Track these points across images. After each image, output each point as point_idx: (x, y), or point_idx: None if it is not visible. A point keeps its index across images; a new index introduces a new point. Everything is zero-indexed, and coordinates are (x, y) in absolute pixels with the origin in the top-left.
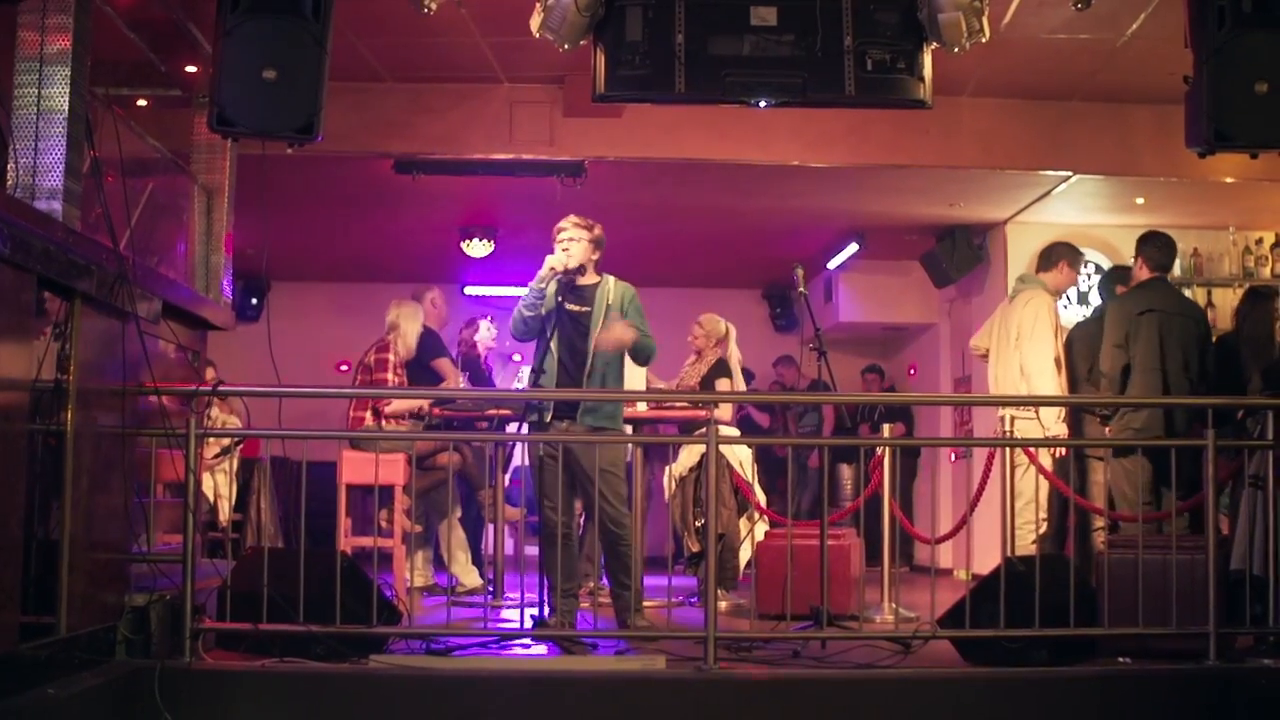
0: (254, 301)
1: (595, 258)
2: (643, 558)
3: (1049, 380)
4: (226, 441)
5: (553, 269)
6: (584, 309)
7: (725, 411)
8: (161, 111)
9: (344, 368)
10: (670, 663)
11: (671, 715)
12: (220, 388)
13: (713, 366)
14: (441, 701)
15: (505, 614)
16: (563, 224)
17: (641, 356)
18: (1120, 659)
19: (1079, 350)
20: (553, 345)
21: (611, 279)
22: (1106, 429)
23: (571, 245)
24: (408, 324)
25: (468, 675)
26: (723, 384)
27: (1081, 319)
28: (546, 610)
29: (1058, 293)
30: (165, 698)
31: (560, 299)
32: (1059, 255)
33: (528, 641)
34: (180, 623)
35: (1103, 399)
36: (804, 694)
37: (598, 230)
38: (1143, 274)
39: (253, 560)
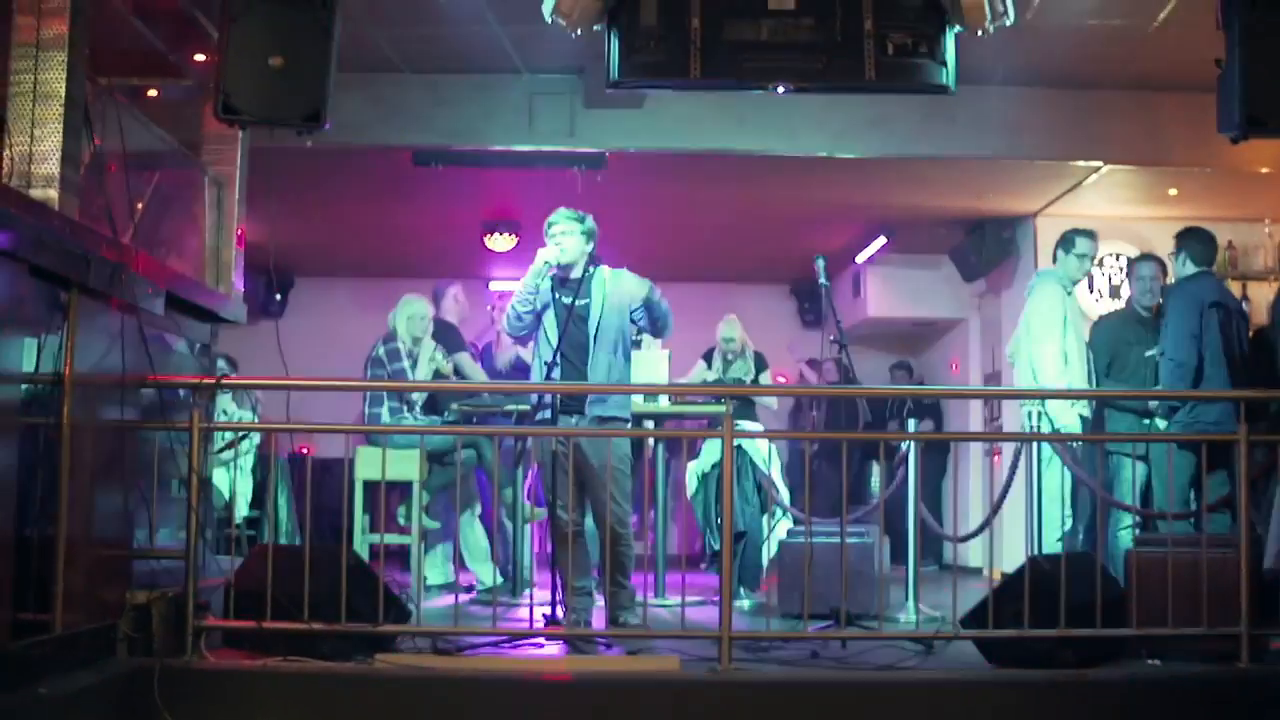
0: (278, 297)
1: (588, 249)
2: (665, 555)
3: (1050, 375)
4: (244, 442)
5: (546, 263)
6: (581, 301)
7: (773, 401)
8: (171, 102)
9: None
10: (685, 663)
11: (685, 717)
12: (225, 380)
13: (757, 363)
14: (448, 702)
15: (519, 613)
16: (553, 217)
17: (660, 324)
18: (1149, 661)
19: (1100, 343)
20: (552, 340)
21: (605, 268)
22: (1161, 424)
23: (564, 239)
24: (402, 322)
25: (475, 676)
26: (765, 376)
27: (1106, 311)
28: (560, 609)
29: (1074, 281)
30: (165, 697)
31: (555, 294)
32: (1063, 242)
33: (540, 641)
34: (183, 621)
35: (1128, 394)
36: (821, 696)
37: (589, 222)
38: (1188, 269)
39: (260, 557)
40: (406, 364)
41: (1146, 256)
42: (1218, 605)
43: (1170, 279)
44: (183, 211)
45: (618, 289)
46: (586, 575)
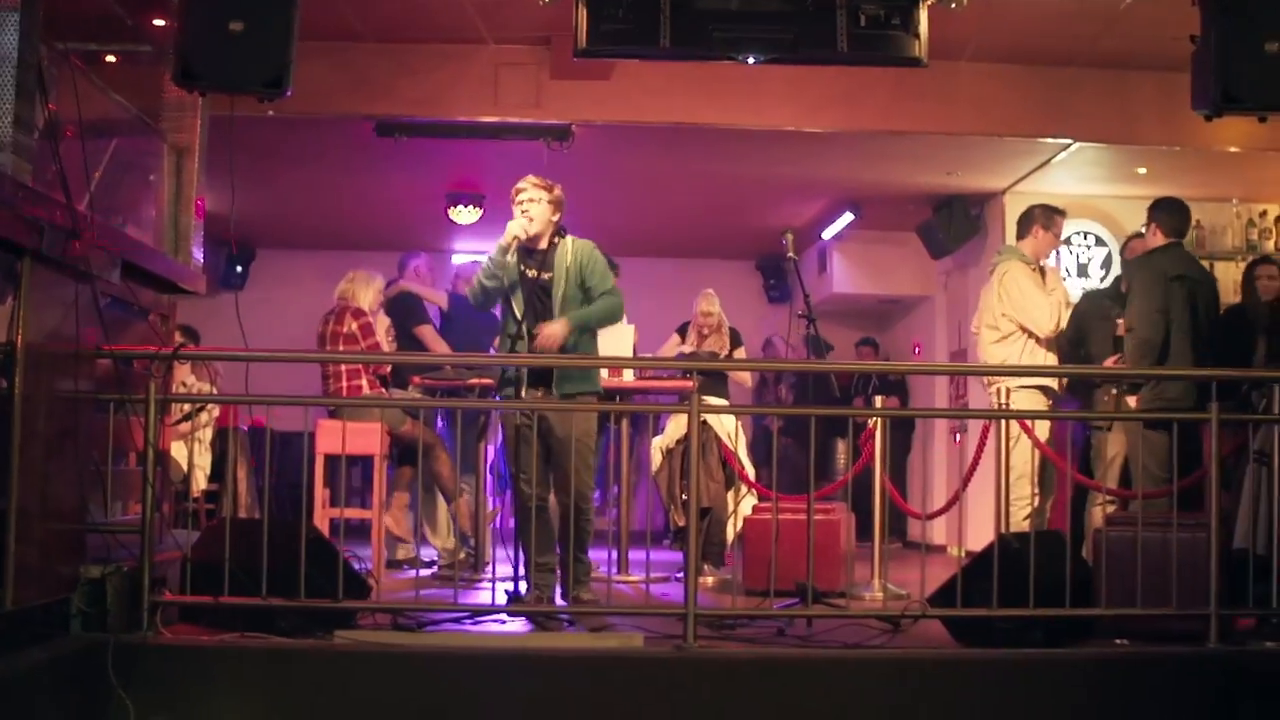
0: (239, 269)
1: (555, 219)
2: (628, 531)
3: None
4: (202, 414)
5: (515, 237)
6: (546, 274)
7: (748, 378)
8: (130, 68)
9: None
10: (649, 640)
11: (649, 695)
12: (182, 351)
13: (732, 338)
14: (408, 679)
15: (483, 589)
16: (521, 184)
17: (608, 323)
18: (1118, 641)
19: (1073, 322)
20: (517, 312)
21: (570, 239)
22: (1132, 400)
23: (531, 207)
24: (364, 292)
25: (436, 652)
26: (740, 352)
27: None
28: (523, 585)
29: (1038, 258)
30: (120, 674)
31: (521, 266)
32: (1032, 219)
33: (503, 617)
34: (139, 596)
35: (1101, 371)
36: (787, 674)
37: (558, 190)
38: (1156, 239)
39: (217, 531)
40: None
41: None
42: (1187, 585)
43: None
44: (141, 179)
45: (579, 263)
46: (549, 551)
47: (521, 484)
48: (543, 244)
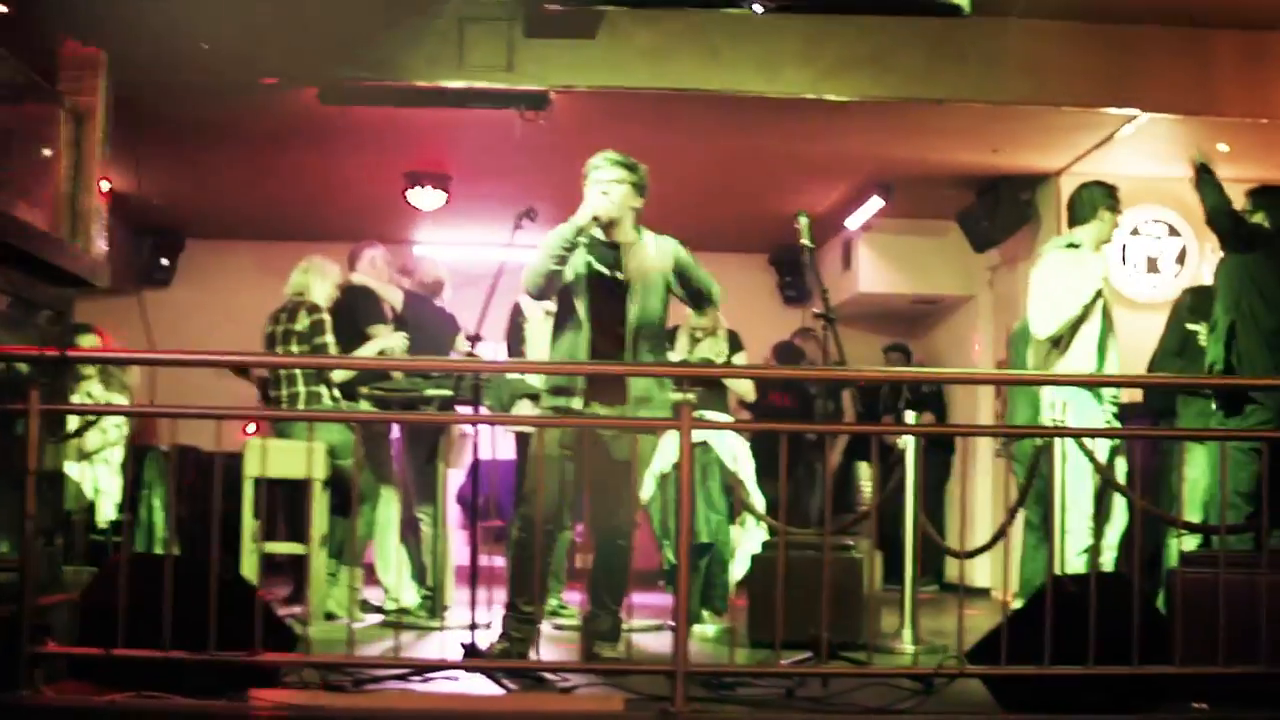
0: (164, 262)
1: (637, 207)
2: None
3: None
4: (112, 431)
5: (595, 218)
6: (619, 274)
7: (749, 389)
8: (20, 20)
9: None
10: (631, 704)
11: None
12: (72, 354)
13: (731, 343)
14: None
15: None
16: (596, 161)
17: (699, 295)
18: (1196, 705)
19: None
20: (580, 314)
21: (651, 236)
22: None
23: (612, 188)
24: (319, 284)
25: (370, 716)
26: (740, 358)
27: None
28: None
29: (1097, 247)
30: None
31: (591, 259)
32: (1095, 200)
33: (457, 674)
34: (16, 646)
35: (1189, 380)
36: None
37: (643, 171)
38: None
39: (115, 570)
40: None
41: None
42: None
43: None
44: (32, 150)
45: (666, 265)
46: (543, 597)
47: (530, 512)
48: (621, 235)
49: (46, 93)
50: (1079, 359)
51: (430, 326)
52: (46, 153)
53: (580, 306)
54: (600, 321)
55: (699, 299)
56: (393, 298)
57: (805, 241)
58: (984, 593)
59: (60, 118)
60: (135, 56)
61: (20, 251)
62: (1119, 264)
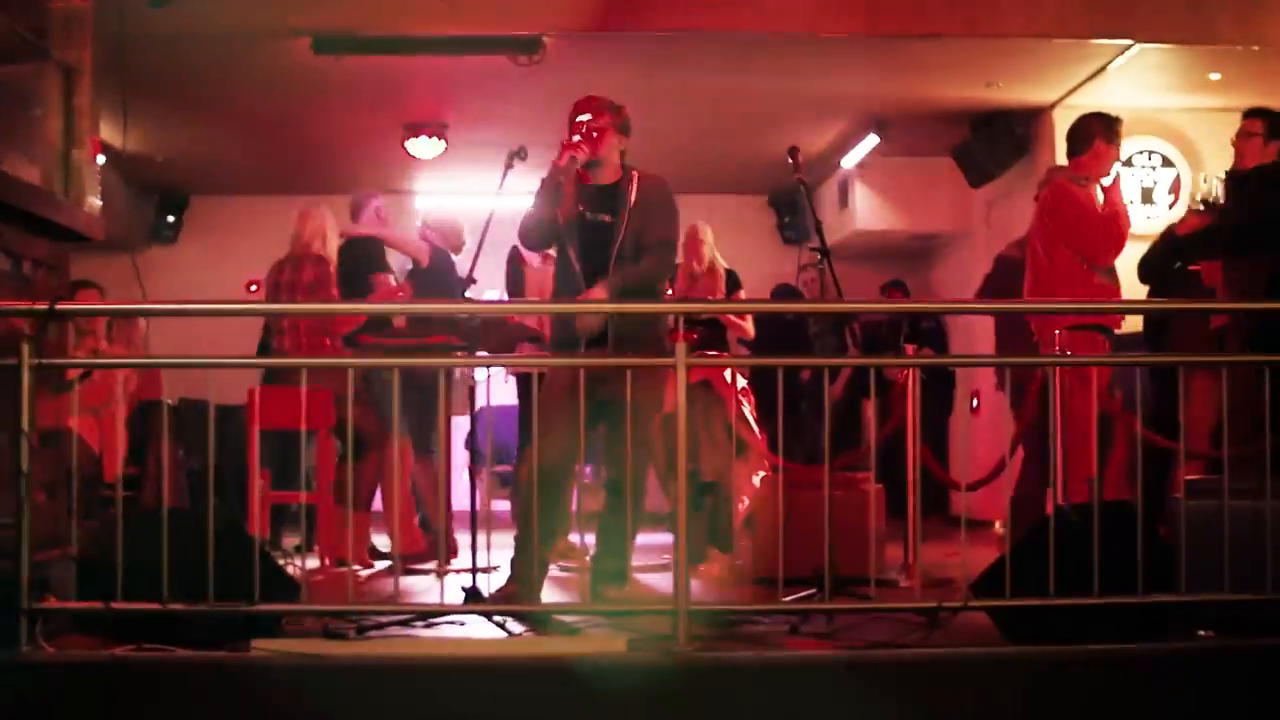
0: (170, 219)
1: (621, 148)
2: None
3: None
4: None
5: (573, 158)
6: (604, 216)
7: (749, 327)
8: None
9: (253, 288)
10: (633, 643)
11: (633, 709)
12: (61, 306)
13: (729, 282)
14: (338, 695)
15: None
16: (580, 103)
17: (657, 284)
18: (1201, 632)
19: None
20: (574, 262)
21: (637, 175)
22: None
23: (590, 131)
24: (323, 235)
25: (371, 663)
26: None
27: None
28: (486, 578)
29: (1097, 179)
30: None
31: (580, 205)
32: (1092, 131)
33: (460, 619)
34: (14, 602)
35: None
36: (799, 680)
37: (625, 113)
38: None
39: (115, 523)
40: None
41: None
42: None
43: None
44: (21, 107)
45: (644, 206)
46: (554, 539)
47: (547, 450)
48: (605, 177)
49: (36, 48)
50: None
51: (448, 287)
52: (37, 110)
53: (571, 251)
54: (594, 268)
55: (640, 248)
56: (416, 252)
57: (800, 176)
58: (986, 525)
59: (51, 73)
60: (124, 7)
61: (13, 207)
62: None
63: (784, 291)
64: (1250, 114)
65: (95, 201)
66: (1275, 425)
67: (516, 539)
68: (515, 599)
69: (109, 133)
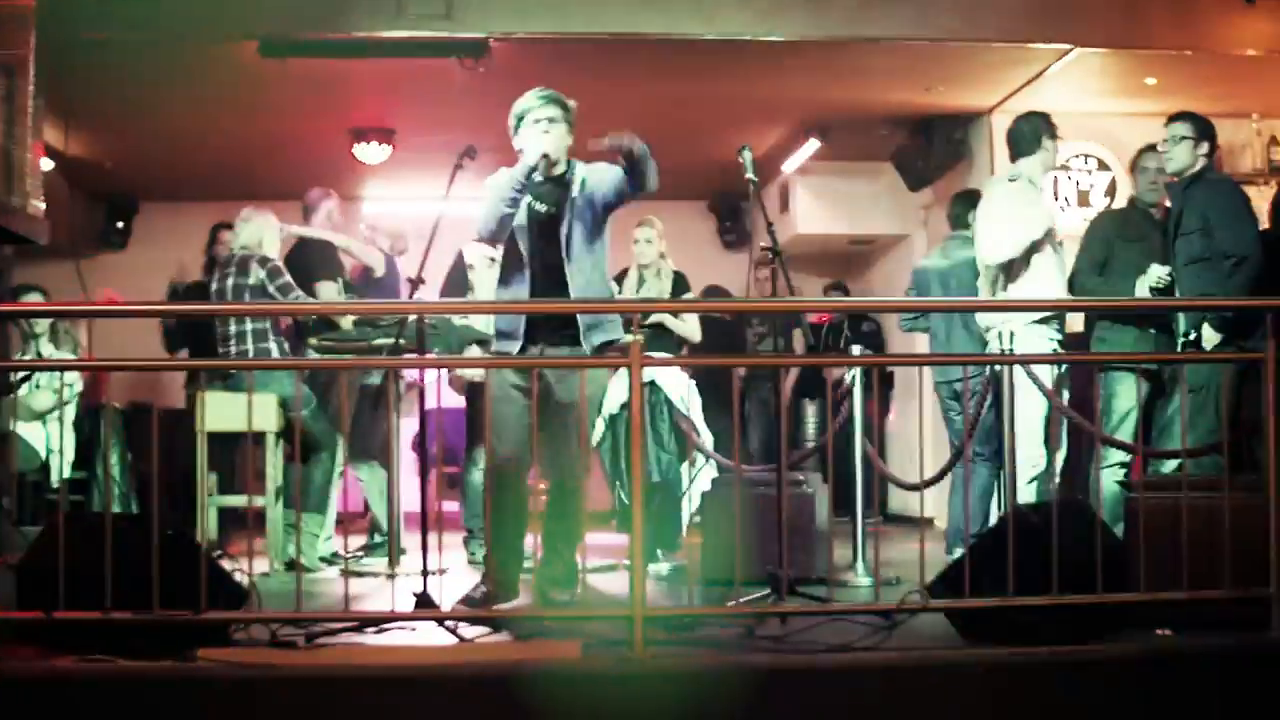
0: (119, 225)
1: (570, 144)
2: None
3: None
4: (62, 389)
5: (546, 156)
6: (550, 208)
7: (695, 330)
8: None
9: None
10: (587, 648)
11: (590, 717)
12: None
13: (676, 283)
14: (284, 707)
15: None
16: (530, 101)
17: (648, 179)
18: (1159, 631)
19: (1095, 239)
20: (524, 254)
21: (580, 165)
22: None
23: (553, 127)
24: (268, 237)
25: (317, 674)
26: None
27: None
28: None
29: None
30: None
31: (531, 201)
32: (1037, 129)
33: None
34: None
35: (1155, 303)
36: (758, 685)
37: (573, 106)
38: (1198, 161)
39: (56, 530)
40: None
41: (1153, 148)
42: (1242, 562)
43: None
44: None
45: (592, 185)
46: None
47: (501, 451)
48: (559, 170)
49: None
50: (1030, 288)
51: (401, 286)
52: None
53: (523, 247)
54: (543, 261)
55: (636, 179)
56: (373, 260)
57: (750, 176)
58: (929, 523)
59: None
60: (66, 10)
61: None
62: (1049, 199)
63: (713, 293)
64: (1176, 118)
65: (39, 205)
66: (1233, 423)
67: (488, 541)
68: (494, 600)
69: (53, 136)
